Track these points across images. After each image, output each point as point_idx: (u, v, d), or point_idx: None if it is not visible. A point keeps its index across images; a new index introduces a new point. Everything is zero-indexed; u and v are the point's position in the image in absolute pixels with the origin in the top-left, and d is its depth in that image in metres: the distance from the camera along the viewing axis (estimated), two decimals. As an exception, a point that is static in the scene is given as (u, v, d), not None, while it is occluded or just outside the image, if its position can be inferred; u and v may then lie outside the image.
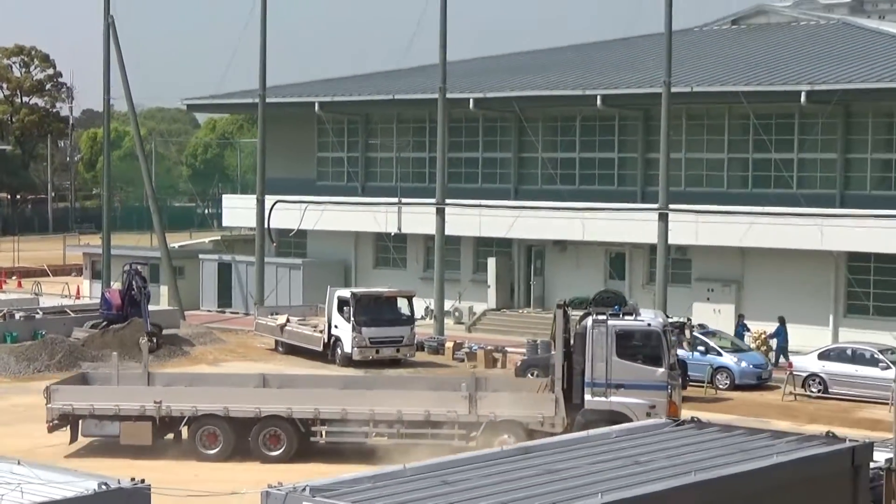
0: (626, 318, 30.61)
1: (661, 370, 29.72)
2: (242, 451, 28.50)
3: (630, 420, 26.70)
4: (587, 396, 28.35)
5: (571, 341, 30.01)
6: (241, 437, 28.98)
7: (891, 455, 18.08)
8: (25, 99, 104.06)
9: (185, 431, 29.97)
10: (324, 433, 28.81)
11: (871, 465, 17.85)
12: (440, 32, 51.05)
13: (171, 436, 30.25)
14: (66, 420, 30.03)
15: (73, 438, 30.41)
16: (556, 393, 28.45)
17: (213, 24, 60.58)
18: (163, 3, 57.84)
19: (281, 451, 27.53)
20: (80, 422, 29.90)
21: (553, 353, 35.25)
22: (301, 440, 28.40)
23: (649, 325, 30.97)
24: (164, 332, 48.11)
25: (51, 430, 30.16)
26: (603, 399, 28.66)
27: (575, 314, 33.85)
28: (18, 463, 14.93)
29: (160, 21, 57.01)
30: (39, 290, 61.12)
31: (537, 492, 13.71)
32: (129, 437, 29.50)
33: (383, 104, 59.92)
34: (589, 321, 29.22)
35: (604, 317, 29.54)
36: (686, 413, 25.24)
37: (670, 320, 33.24)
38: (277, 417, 28.99)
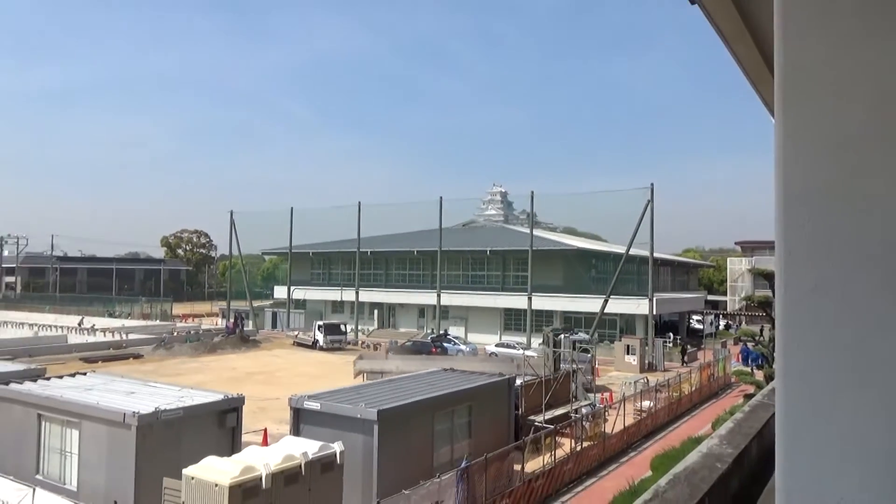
0: (575, 334, 31.32)
1: (591, 355, 29.77)
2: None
3: (579, 374, 26.86)
4: (563, 365, 26.92)
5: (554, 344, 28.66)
6: None
7: (520, 381, 18.98)
8: (197, 249, 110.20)
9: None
10: None
11: (515, 384, 18.63)
12: (357, 232, 54.70)
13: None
14: (360, 373, 29.40)
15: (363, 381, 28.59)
16: (549, 364, 26.53)
17: (272, 217, 64.11)
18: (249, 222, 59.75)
19: None
20: (364, 374, 28.90)
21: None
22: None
23: (584, 337, 32.31)
24: (250, 337, 48.21)
25: (355, 377, 29.06)
26: (569, 366, 27.50)
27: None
28: (191, 388, 14.48)
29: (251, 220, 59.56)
30: (200, 322, 61.61)
31: (392, 395, 14.67)
32: None
33: (336, 253, 60.94)
34: (562, 335, 28.61)
35: (567, 334, 29.43)
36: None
37: (592, 336, 34.58)
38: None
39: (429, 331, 51.89)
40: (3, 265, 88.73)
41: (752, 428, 3.78)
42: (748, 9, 2.55)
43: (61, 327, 49.40)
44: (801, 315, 1.26)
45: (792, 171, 1.29)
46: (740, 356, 38.69)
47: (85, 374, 17.27)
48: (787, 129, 1.30)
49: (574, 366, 25.01)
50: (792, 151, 1.29)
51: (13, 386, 14.74)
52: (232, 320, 51.73)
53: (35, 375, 16.56)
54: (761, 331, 27.77)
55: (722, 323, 62.45)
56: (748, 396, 24.26)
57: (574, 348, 27.69)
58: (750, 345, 34.50)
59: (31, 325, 50.86)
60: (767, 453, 3.80)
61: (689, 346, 41.85)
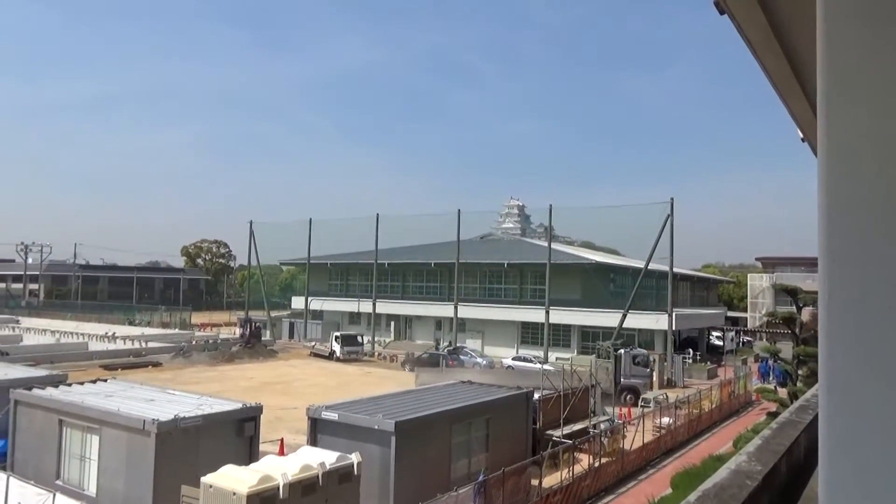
0: (634, 350, 31.95)
1: (647, 370, 30.89)
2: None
3: (638, 389, 27.81)
4: (622, 379, 27.66)
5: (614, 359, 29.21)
6: None
7: (538, 395, 18.81)
8: (216, 259, 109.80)
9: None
10: None
11: (534, 398, 18.41)
12: (375, 244, 55.58)
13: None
14: (422, 385, 25.25)
15: None
16: (610, 377, 26.96)
17: (290, 229, 63.34)
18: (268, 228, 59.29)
19: None
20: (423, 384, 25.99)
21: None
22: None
23: (643, 352, 32.41)
24: (267, 346, 48.03)
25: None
26: (628, 380, 28.29)
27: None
28: (210, 396, 14.59)
29: (269, 228, 59.76)
30: (218, 331, 60.54)
31: (413, 405, 14.84)
32: None
33: (353, 264, 60.85)
34: (622, 351, 28.89)
35: (626, 349, 30.10)
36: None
37: (643, 350, 33.58)
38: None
39: (435, 343, 51.40)
40: (27, 273, 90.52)
41: (781, 445, 3.71)
42: (778, 18, 2.53)
43: (82, 334, 49.74)
44: (846, 326, 1.22)
45: (837, 179, 1.26)
46: (759, 373, 38.07)
47: (105, 381, 17.36)
48: (832, 135, 1.27)
49: (636, 380, 25.35)
50: (836, 158, 1.27)
51: (35, 391, 14.90)
52: (247, 329, 49.68)
53: (57, 381, 16.79)
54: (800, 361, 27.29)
55: (742, 339, 62.08)
56: (771, 414, 24.13)
57: (634, 363, 26.92)
58: (770, 361, 33.80)
59: (52, 332, 51.35)
60: (797, 471, 3.73)
61: (685, 362, 41.23)
